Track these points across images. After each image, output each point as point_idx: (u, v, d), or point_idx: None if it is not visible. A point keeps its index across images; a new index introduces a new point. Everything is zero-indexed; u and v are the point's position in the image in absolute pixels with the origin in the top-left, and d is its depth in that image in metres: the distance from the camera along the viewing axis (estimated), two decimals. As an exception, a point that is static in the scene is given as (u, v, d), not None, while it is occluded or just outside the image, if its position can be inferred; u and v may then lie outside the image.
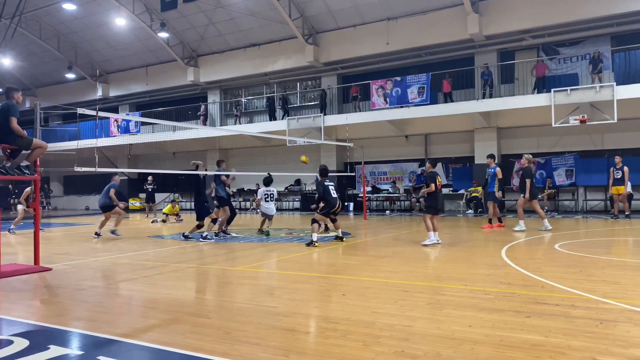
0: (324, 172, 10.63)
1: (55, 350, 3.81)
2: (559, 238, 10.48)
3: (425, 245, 9.60)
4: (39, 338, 4.15)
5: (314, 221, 10.20)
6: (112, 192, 12.86)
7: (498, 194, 13.28)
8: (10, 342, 3.99)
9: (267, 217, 12.83)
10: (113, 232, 12.53)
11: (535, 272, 6.59)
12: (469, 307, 4.90)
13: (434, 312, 4.72)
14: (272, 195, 12.82)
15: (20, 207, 15.26)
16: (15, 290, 6.27)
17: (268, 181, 13.07)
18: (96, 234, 12.82)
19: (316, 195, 11.40)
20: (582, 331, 4.05)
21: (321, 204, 10.45)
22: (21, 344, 3.94)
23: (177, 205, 19.53)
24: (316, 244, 9.89)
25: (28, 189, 15.13)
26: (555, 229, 12.98)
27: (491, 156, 13.82)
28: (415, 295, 5.47)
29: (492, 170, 13.36)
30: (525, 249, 9.01)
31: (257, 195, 13.20)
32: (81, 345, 3.99)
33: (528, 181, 12.19)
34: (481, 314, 4.63)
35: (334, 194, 10.30)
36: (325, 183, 10.32)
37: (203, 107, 26.80)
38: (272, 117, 24.42)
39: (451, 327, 4.23)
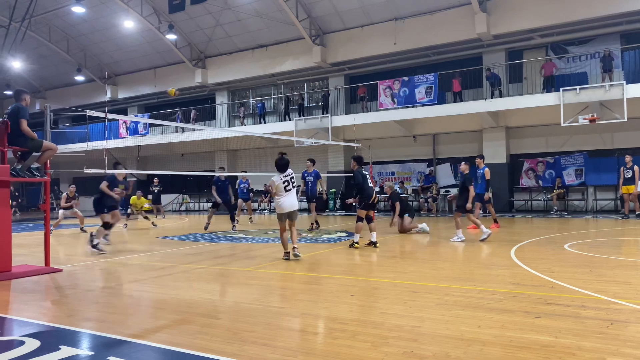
0: (360, 160, 9.74)
1: (66, 350, 3.84)
2: (568, 238, 10.41)
3: (453, 242, 10.04)
4: (50, 338, 4.18)
5: (359, 219, 9.50)
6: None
7: (487, 195, 12.91)
8: (22, 343, 4.02)
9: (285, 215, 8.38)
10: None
11: (544, 273, 6.55)
12: (478, 307, 4.88)
13: (442, 313, 4.70)
14: (291, 180, 8.46)
15: (61, 213, 15.30)
16: (27, 291, 6.32)
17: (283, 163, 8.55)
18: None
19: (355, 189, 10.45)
20: (592, 332, 4.02)
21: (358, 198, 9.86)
22: (32, 344, 3.98)
23: (142, 198, 17.81)
24: (356, 245, 9.38)
25: (64, 194, 15.29)
26: (565, 229, 12.92)
27: (481, 157, 13.47)
28: (424, 296, 5.46)
29: (481, 171, 12.93)
30: (534, 249, 8.96)
31: (274, 185, 8.38)
32: (91, 346, 4.01)
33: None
34: (490, 314, 4.61)
35: (370, 184, 9.64)
36: (364, 172, 9.60)
37: (194, 112, 26.84)
38: (263, 120, 24.77)
39: (460, 327, 4.21)
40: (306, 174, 13.77)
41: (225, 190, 13.87)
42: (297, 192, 9.07)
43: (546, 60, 19.15)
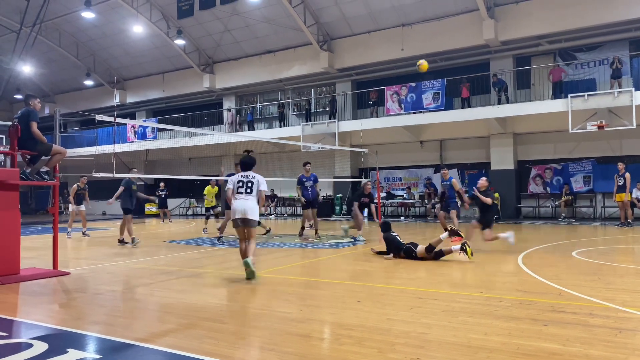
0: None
1: (73, 354, 3.86)
2: (576, 245, 10.34)
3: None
4: (58, 341, 4.21)
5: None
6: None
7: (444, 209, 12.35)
8: (30, 346, 4.05)
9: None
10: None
11: (552, 280, 6.52)
12: (485, 314, 4.86)
13: (449, 320, 4.69)
14: (249, 185, 7.12)
15: (71, 208, 15.17)
16: (35, 294, 6.36)
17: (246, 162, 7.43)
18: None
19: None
20: (600, 340, 4.00)
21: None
22: (40, 347, 4.00)
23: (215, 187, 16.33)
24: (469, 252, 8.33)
25: (75, 185, 14.95)
26: (573, 236, 12.83)
27: (447, 166, 12.83)
28: (431, 303, 5.44)
29: (448, 182, 12.41)
30: (542, 256, 8.91)
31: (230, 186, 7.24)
32: (99, 349, 4.04)
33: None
34: (497, 321, 4.59)
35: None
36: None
37: (229, 114, 26.94)
38: (252, 127, 24.90)
39: (467, 334, 4.20)
40: (304, 179, 12.81)
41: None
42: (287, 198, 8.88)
43: (554, 66, 19.08)
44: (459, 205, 12.32)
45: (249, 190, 7.00)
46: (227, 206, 10.94)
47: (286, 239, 13.10)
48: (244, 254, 6.99)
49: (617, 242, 11.45)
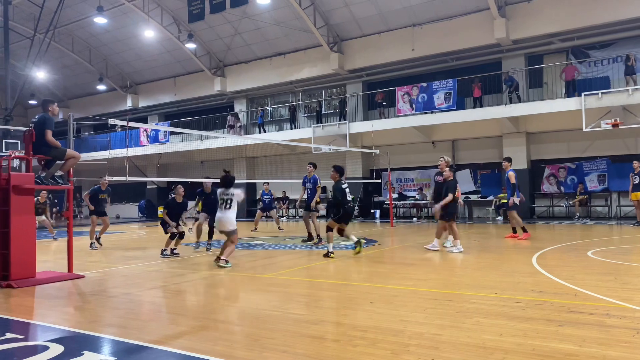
0: (340, 170, 9.58)
1: (89, 356, 3.89)
2: (592, 245, 10.23)
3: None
4: (73, 344, 4.24)
5: (328, 229, 9.35)
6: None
7: (510, 201, 11.81)
8: (46, 348, 4.08)
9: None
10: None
11: (567, 280, 6.44)
12: (499, 315, 4.82)
13: (463, 321, 4.65)
14: (228, 201, 8.41)
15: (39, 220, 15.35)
16: (50, 297, 6.42)
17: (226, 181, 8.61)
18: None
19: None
20: (617, 341, 3.94)
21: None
22: (56, 349, 4.04)
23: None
24: (332, 255, 9.14)
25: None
26: (588, 235, 12.69)
27: (508, 159, 12.37)
28: (444, 304, 5.40)
29: (506, 174, 12.10)
30: (557, 257, 8.82)
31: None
32: (114, 351, 4.06)
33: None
34: (512, 322, 4.54)
35: (349, 197, 9.37)
36: (343, 186, 9.37)
37: (231, 118, 26.96)
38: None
39: (481, 335, 4.16)
40: (305, 180, 12.26)
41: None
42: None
43: (567, 64, 18.90)
44: (515, 201, 11.79)
45: (227, 207, 8.38)
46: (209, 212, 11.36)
47: (298, 240, 13.11)
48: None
49: (633, 241, 11.29)
